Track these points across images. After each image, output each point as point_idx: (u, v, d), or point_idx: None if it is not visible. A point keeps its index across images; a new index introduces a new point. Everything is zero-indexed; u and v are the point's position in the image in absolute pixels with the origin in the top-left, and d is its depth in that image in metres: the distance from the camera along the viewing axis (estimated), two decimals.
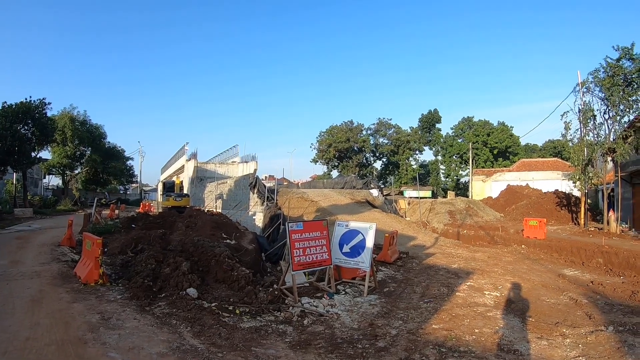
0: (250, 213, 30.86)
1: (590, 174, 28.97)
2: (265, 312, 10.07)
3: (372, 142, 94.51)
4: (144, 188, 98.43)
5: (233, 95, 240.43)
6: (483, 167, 77.06)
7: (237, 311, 9.83)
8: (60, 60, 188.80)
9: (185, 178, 51.57)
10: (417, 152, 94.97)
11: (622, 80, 26.39)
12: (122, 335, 7.70)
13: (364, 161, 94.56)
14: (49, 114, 45.39)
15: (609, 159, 28.24)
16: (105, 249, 15.53)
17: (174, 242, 16.75)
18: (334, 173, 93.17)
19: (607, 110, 27.31)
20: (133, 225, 23.48)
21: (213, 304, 10.09)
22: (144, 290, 10.60)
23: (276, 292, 11.49)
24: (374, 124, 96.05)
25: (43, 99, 43.47)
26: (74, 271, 12.79)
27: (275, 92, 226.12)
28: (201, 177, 51.38)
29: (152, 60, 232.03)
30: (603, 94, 27.20)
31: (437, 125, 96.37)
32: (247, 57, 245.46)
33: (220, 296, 10.87)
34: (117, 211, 42.30)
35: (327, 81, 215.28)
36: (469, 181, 69.01)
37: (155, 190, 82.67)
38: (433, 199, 54.37)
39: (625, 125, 26.80)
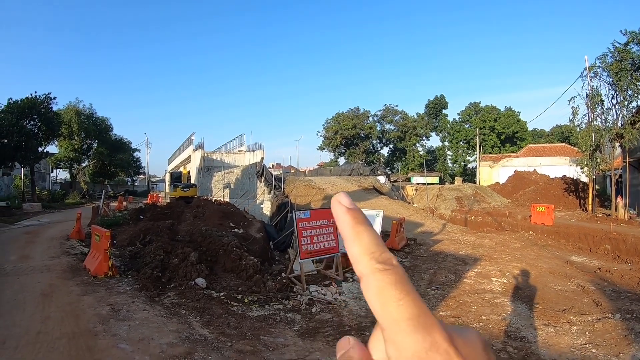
0: (257, 202, 30.88)
1: (598, 160, 28.73)
2: (273, 301, 10.13)
3: (378, 128, 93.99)
4: (151, 179, 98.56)
5: (240, 85, 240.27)
6: (490, 153, 76.62)
7: (246, 300, 9.89)
8: (65, 55, 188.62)
9: (192, 168, 51.54)
10: (424, 138, 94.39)
11: (630, 65, 26.09)
12: (132, 326, 7.77)
13: (371, 148, 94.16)
14: (54, 109, 45.40)
15: (617, 144, 28.01)
16: (114, 241, 15.61)
17: (182, 232, 16.83)
18: (341, 160, 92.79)
19: (615, 95, 27.01)
20: (141, 217, 23.56)
21: (222, 294, 10.16)
22: (153, 281, 10.67)
23: (284, 281, 11.55)
24: (380, 110, 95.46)
25: (48, 93, 43.47)
26: (84, 264, 12.90)
27: (281, 81, 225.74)
28: (208, 167, 51.35)
29: (158, 54, 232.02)
30: (611, 79, 26.90)
31: (444, 111, 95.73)
32: (254, 49, 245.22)
33: (229, 285, 10.95)
34: (125, 203, 42.42)
35: (334, 69, 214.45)
36: (476, 167, 68.61)
37: (163, 181, 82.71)
38: (440, 185, 54.15)
39: (634, 111, 26.46)
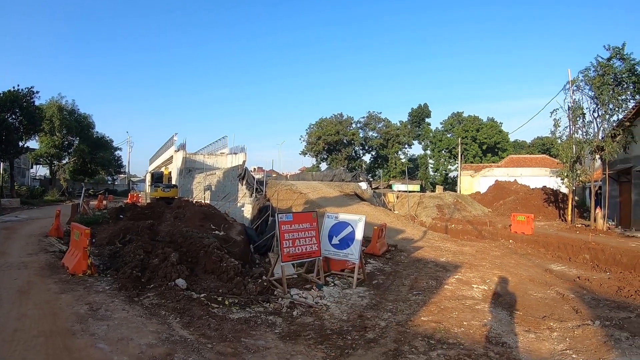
0: (238, 204, 30.79)
1: (578, 171, 29.22)
2: (254, 303, 10.08)
3: (361, 135, 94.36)
4: (132, 179, 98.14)
5: (222, 86, 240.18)
6: (472, 162, 77.40)
7: (226, 302, 9.84)
8: (48, 48, 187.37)
9: (173, 169, 51.33)
10: (406, 146, 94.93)
11: (612, 80, 26.70)
12: (110, 326, 7.67)
13: (353, 154, 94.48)
14: (36, 103, 45.05)
15: (597, 156, 28.46)
16: (94, 240, 15.47)
17: (163, 232, 16.72)
18: (323, 166, 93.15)
19: (597, 108, 27.54)
20: (121, 216, 23.35)
21: (202, 295, 10.08)
22: (132, 281, 10.56)
23: (265, 284, 11.51)
24: (363, 117, 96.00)
25: (31, 87, 43.14)
26: (62, 262, 12.72)
27: (264, 83, 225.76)
28: (190, 168, 51.23)
29: (141, 50, 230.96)
30: (593, 93, 27.42)
31: (427, 120, 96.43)
32: (238, 48, 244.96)
33: (209, 287, 10.88)
34: (105, 202, 42.08)
35: (317, 74, 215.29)
36: (457, 176, 69.09)
37: (144, 181, 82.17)
38: (421, 193, 54.56)
39: (614, 124, 27.04)
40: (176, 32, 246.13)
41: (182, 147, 52.35)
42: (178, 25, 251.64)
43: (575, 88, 28.97)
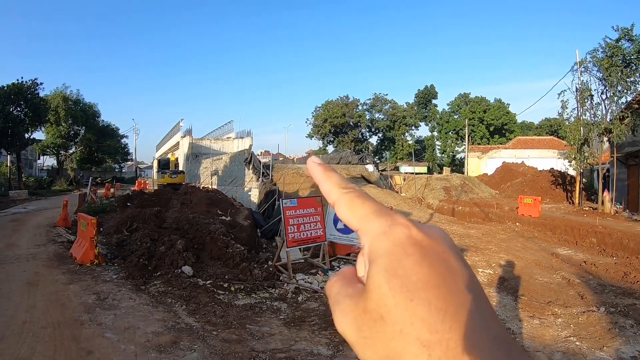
0: (245, 189, 30.88)
1: (586, 154, 28.93)
2: (259, 289, 10.14)
3: (367, 117, 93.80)
4: (139, 166, 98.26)
5: (229, 72, 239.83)
6: (479, 144, 76.82)
7: (232, 288, 9.90)
8: (53, 40, 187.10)
9: (180, 155, 51.38)
10: (413, 127, 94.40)
11: (620, 61, 26.26)
12: (117, 315, 7.76)
13: (360, 136, 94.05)
14: (41, 94, 45.04)
15: (605, 139, 28.20)
16: (101, 229, 15.51)
17: (169, 219, 16.82)
18: (330, 148, 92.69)
19: (605, 90, 27.14)
20: (128, 204, 23.49)
21: (208, 282, 10.16)
22: (139, 269, 10.65)
23: (271, 269, 11.57)
24: (369, 99, 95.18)
25: (35, 79, 43.10)
26: (70, 252, 12.82)
27: (272, 68, 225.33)
28: (196, 154, 51.24)
29: (147, 42, 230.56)
30: (601, 74, 27.03)
31: (434, 101, 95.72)
32: (244, 37, 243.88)
33: (215, 273, 10.94)
34: (112, 190, 42.16)
35: (324, 57, 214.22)
36: (464, 157, 68.73)
37: (151, 167, 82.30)
38: (429, 175, 54.21)
39: (623, 107, 26.64)
40: (183, 26, 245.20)
41: (189, 132, 52.35)
42: (185, 20, 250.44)
43: (583, 69, 28.55)
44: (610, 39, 26.81)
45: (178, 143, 54.76)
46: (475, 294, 0.49)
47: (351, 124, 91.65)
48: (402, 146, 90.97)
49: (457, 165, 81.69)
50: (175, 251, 11.50)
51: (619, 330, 8.23)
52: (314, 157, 0.68)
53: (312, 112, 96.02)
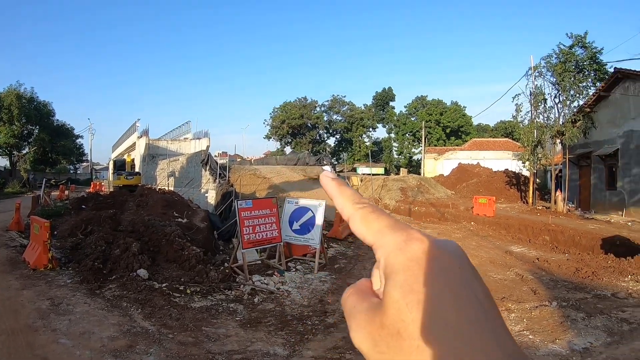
0: (202, 191, 30.67)
1: (540, 155, 29.91)
2: (216, 291, 10.18)
3: (325, 118, 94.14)
4: (94, 167, 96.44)
5: (186, 71, 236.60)
6: (435, 146, 77.93)
7: (188, 291, 9.92)
8: (4, 36, 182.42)
9: (136, 156, 50.56)
10: (370, 129, 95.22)
11: (573, 67, 27.58)
12: (72, 320, 7.71)
13: (318, 138, 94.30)
14: None
15: (558, 141, 29.24)
16: (55, 232, 15.25)
17: (125, 222, 16.64)
18: (287, 149, 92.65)
19: (558, 94, 28.28)
20: (83, 206, 23.07)
21: (164, 285, 10.14)
22: (94, 273, 10.54)
23: (227, 271, 11.63)
24: (328, 100, 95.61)
25: None
26: (23, 256, 12.58)
27: (228, 67, 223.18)
28: (153, 155, 50.48)
29: (101, 37, 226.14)
30: (554, 79, 28.11)
31: (391, 103, 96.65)
32: (203, 35, 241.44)
33: (171, 276, 10.92)
34: (67, 192, 41.37)
35: (281, 57, 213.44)
36: (421, 159, 69.72)
37: (107, 169, 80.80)
38: (385, 176, 54.79)
39: (575, 110, 27.90)
40: (136, 21, 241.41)
41: (145, 133, 51.53)
42: (138, 14, 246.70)
43: (537, 74, 29.59)
44: (564, 45, 28.12)
45: (134, 144, 53.92)
46: (489, 311, 0.52)
47: (309, 125, 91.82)
48: (360, 147, 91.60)
49: (414, 167, 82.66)
50: (131, 254, 11.42)
51: (571, 324, 8.59)
52: (327, 171, 0.73)
53: (270, 114, 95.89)
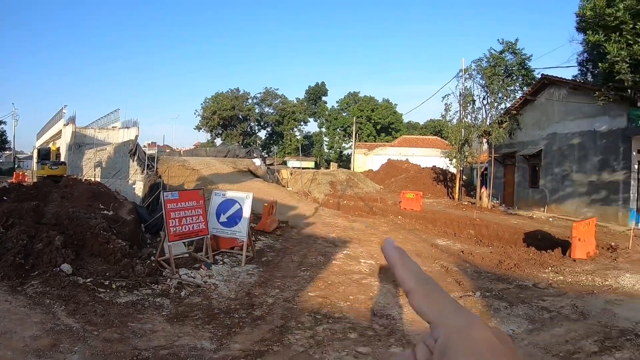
0: (130, 182, 30.11)
1: (466, 153, 31.28)
2: (142, 286, 10.06)
3: (257, 111, 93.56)
4: (17, 155, 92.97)
5: (115, 57, 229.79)
6: (366, 141, 78.96)
7: (114, 286, 9.77)
8: None
9: (62, 144, 48.85)
10: (302, 123, 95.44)
11: (503, 71, 29.23)
12: None
13: (249, 130, 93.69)
14: None
15: (485, 140, 30.70)
16: None
17: (49, 214, 16.16)
18: (218, 141, 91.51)
19: (487, 96, 29.99)
20: (4, 198, 22.15)
21: (88, 280, 9.93)
22: (15, 269, 10.19)
23: (153, 264, 11.48)
24: (260, 92, 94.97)
25: None
26: None
27: (158, 54, 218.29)
28: (80, 144, 48.85)
29: (25, 17, 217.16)
30: (484, 82, 29.63)
31: (323, 98, 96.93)
32: (133, 22, 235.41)
33: (96, 271, 10.68)
34: None
35: (213, 47, 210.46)
36: (351, 154, 70.42)
37: (31, 157, 77.93)
38: (315, 170, 55.29)
39: (502, 112, 29.54)
40: (64, 5, 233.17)
41: (72, 120, 49.70)
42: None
43: (467, 76, 31.10)
44: (495, 50, 29.60)
45: (60, 132, 51.99)
46: None
47: (240, 117, 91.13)
48: (291, 141, 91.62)
49: (344, 161, 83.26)
50: (54, 248, 11.11)
51: (494, 312, 9.07)
52: (390, 239, 0.79)
53: (202, 104, 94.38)
